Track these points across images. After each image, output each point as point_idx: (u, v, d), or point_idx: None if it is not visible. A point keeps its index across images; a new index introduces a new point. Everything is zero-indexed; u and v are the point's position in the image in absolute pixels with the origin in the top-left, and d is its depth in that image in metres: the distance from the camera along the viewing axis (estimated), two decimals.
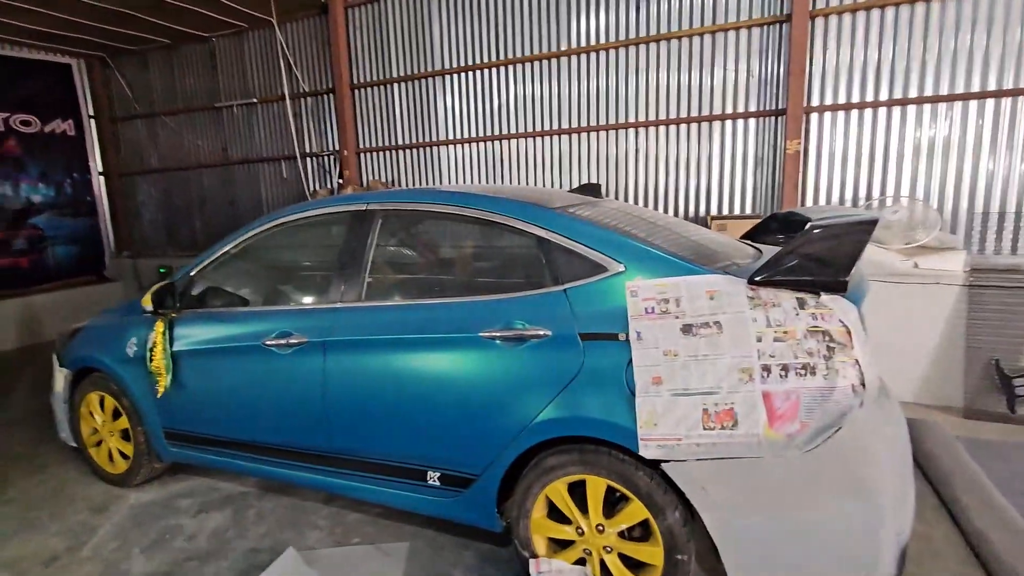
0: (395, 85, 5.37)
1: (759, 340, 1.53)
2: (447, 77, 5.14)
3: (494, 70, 5.02)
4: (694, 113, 4.62)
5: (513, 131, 5.08)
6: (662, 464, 1.66)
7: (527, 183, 5.16)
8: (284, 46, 5.71)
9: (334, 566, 2.25)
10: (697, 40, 4.51)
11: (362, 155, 5.69)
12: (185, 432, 2.73)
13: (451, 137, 5.24)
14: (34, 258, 6.75)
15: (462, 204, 2.14)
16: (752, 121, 4.49)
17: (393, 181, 5.52)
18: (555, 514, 1.94)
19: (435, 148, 5.33)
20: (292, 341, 2.28)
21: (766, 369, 1.52)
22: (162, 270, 5.91)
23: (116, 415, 2.93)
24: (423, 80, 5.24)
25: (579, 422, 1.77)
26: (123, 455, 2.98)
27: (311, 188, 5.98)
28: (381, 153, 5.60)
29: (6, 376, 5.10)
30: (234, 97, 6.25)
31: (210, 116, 6.54)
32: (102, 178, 7.33)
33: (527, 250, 2.04)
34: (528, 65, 4.94)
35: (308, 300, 2.47)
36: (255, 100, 6.12)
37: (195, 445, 2.72)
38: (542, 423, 1.84)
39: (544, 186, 5.09)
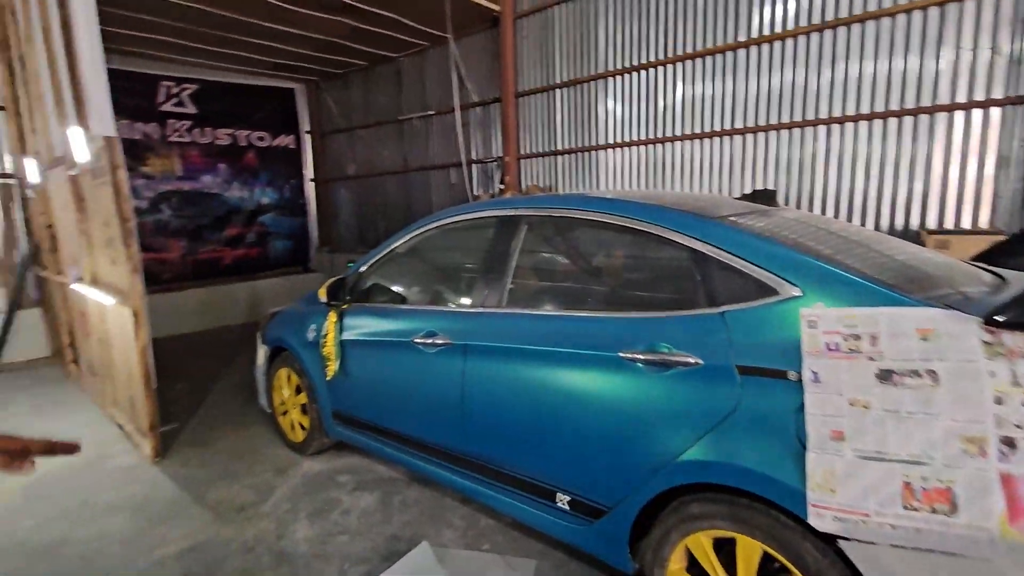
0: (557, 91, 5.39)
1: (999, 402, 1.13)
2: (610, 79, 4.99)
3: (660, 69, 4.73)
4: (908, 104, 3.81)
5: (679, 133, 4.74)
6: (839, 541, 1.33)
7: (693, 189, 4.77)
8: (458, 60, 6.09)
9: (462, 570, 2.27)
10: (918, 15, 3.71)
11: (523, 161, 5.82)
12: (347, 414, 3.01)
13: (612, 141, 5.08)
14: (260, 250, 8.20)
15: (610, 211, 2.00)
16: (995, 111, 3.56)
17: (552, 186, 5.55)
18: (696, 569, 1.69)
19: (595, 152, 5.22)
20: (437, 341, 2.36)
21: (1008, 443, 1.12)
22: (349, 264, 6.71)
23: (298, 391, 3.35)
24: (585, 84, 5.16)
25: (730, 470, 1.51)
26: (302, 427, 3.40)
27: (474, 193, 6.29)
28: (541, 159, 5.66)
29: (235, 346, 6.24)
30: (414, 110, 6.86)
31: (394, 128, 7.28)
32: (312, 184, 8.62)
33: (679, 264, 1.82)
34: (698, 61, 4.55)
35: (454, 302, 2.54)
36: (431, 112, 6.65)
37: (354, 427, 2.98)
38: (685, 464, 1.61)
39: (711, 192, 4.66)
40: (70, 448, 0.83)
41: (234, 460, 3.41)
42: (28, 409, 4.40)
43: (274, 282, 7.86)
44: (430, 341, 2.39)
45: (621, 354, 1.78)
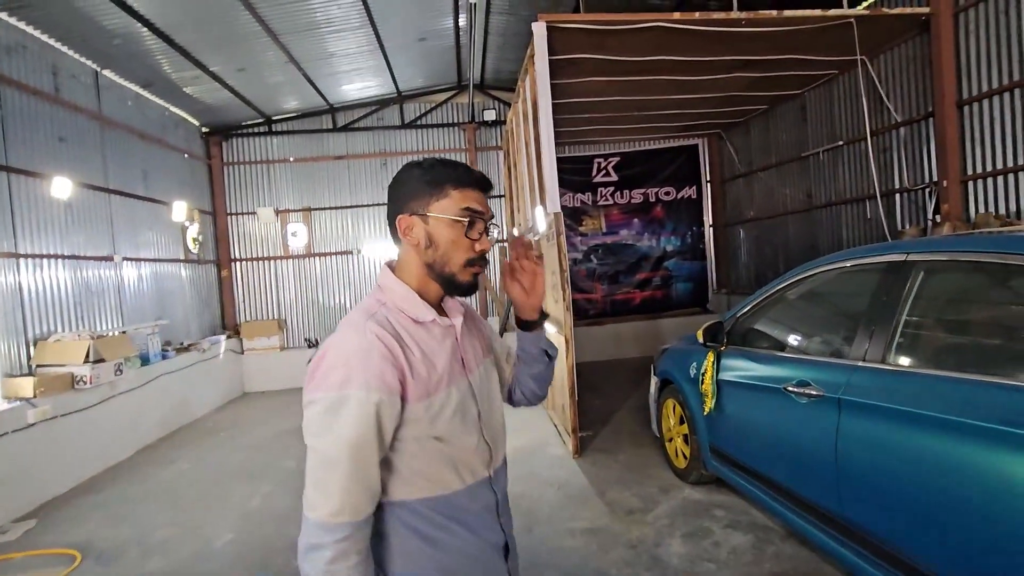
0: (1022, 89, 4.07)
1: None
2: None
3: None
4: None
5: None
6: None
7: None
8: (876, 79, 5.39)
9: None
10: None
11: (969, 183, 4.60)
12: (723, 451, 3.18)
13: None
14: (664, 292, 9.12)
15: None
16: None
17: (1019, 214, 4.17)
18: None
19: None
20: (809, 392, 2.32)
21: None
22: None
23: (682, 421, 3.73)
24: None
25: None
26: (684, 455, 3.75)
27: (899, 227, 5.32)
28: (998, 178, 4.35)
29: (640, 374, 7.19)
30: (820, 143, 6.39)
31: (798, 165, 6.93)
32: (711, 229, 9.05)
33: None
34: None
35: (830, 352, 2.41)
36: (841, 142, 6.04)
37: (729, 465, 3.12)
38: None
39: None
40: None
41: (629, 470, 4.05)
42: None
43: (675, 321, 8.58)
44: (802, 391, 2.37)
45: None
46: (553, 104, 6.09)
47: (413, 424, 1.00)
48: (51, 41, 5.17)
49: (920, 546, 1.81)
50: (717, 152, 8.84)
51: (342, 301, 8.49)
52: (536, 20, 4.22)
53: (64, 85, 5.33)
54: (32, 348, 4.75)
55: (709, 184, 8.96)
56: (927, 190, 5.01)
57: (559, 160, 8.51)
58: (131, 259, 6.15)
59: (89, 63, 5.67)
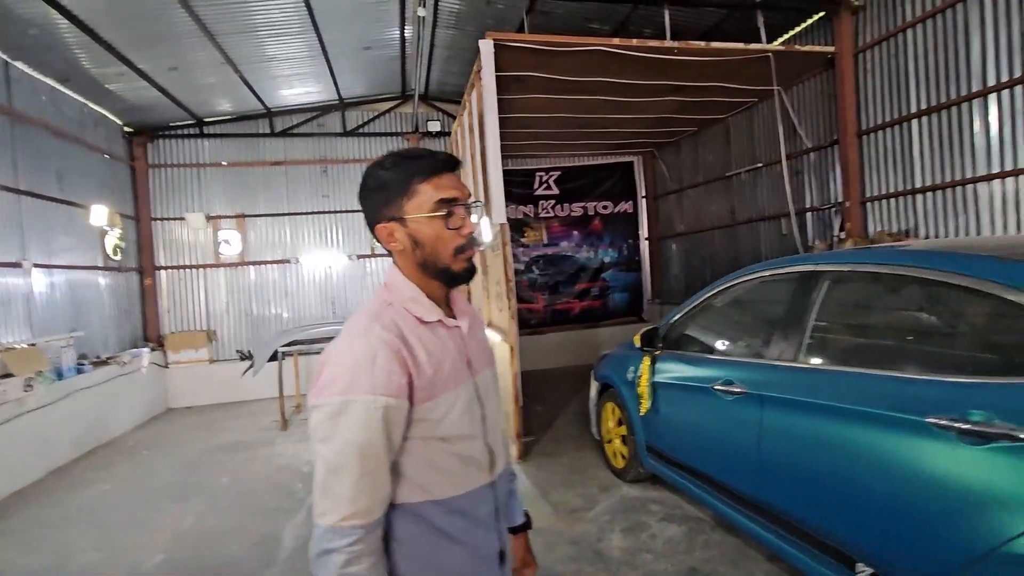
0: (911, 122, 4.65)
1: None
2: (989, 97, 4.05)
3: None
4: None
5: None
6: None
7: None
8: (790, 108, 5.94)
9: None
10: None
11: (868, 204, 5.17)
12: (658, 449, 3.40)
13: (993, 171, 4.07)
14: (602, 302, 9.46)
15: (912, 263, 1.88)
16: None
17: (908, 232, 4.74)
18: None
19: (966, 187, 4.26)
20: (734, 389, 2.55)
21: None
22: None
23: (620, 423, 3.93)
24: (950, 109, 4.31)
25: None
26: (622, 455, 3.95)
27: (810, 242, 5.87)
28: (892, 200, 4.92)
29: (580, 380, 7.41)
30: (743, 164, 6.93)
31: (722, 184, 7.47)
32: (646, 242, 9.52)
33: (1013, 324, 1.60)
34: None
35: (751, 353, 2.66)
36: (760, 164, 6.59)
37: (664, 462, 3.34)
38: (1013, 557, 1.41)
39: None
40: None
41: (571, 472, 4.21)
42: None
43: (613, 330, 8.93)
44: (727, 389, 2.60)
45: (929, 420, 1.67)
46: (502, 118, 6.28)
47: (420, 425, 1.00)
48: None
49: (831, 523, 2.05)
50: (651, 169, 9.34)
51: (279, 311, 8.20)
52: (483, 37, 4.36)
53: None
54: None
55: (644, 199, 9.44)
56: (833, 209, 5.57)
57: (503, 172, 8.71)
58: (43, 266, 5.68)
59: None
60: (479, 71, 4.56)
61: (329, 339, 7.63)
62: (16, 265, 5.30)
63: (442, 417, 1.02)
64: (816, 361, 2.24)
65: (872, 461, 1.85)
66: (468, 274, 1.09)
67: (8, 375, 4.48)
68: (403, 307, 1.05)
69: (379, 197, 1.05)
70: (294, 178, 8.20)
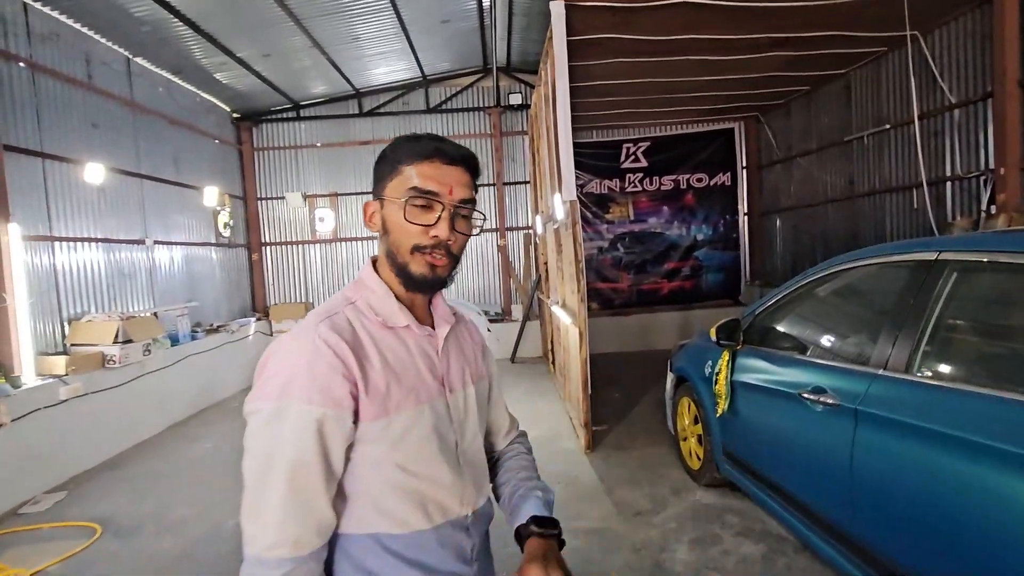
0: None
1: None
2: None
3: None
4: None
5: None
6: None
7: None
8: (929, 57, 4.95)
9: None
10: None
11: None
12: (735, 455, 3.02)
13: None
14: (694, 282, 8.82)
15: None
16: None
17: None
18: None
19: None
20: (825, 400, 2.14)
21: None
22: None
23: (696, 420, 3.57)
24: None
25: None
26: (697, 456, 3.60)
27: (948, 218, 4.92)
28: None
29: (664, 367, 6.98)
30: (865, 127, 5.96)
31: (839, 151, 6.51)
32: (745, 218, 8.66)
33: None
34: None
35: (851, 357, 2.21)
36: (888, 126, 5.62)
37: (741, 470, 2.96)
38: None
39: None
40: None
41: (641, 469, 3.93)
42: (522, 393, 6.26)
43: (705, 313, 8.28)
44: (817, 398, 2.19)
45: None
46: (577, 87, 5.89)
47: (369, 445, 0.87)
48: (84, 29, 5.29)
49: (930, 563, 1.64)
50: (755, 136, 8.41)
51: None
52: None
53: (97, 72, 5.46)
54: (66, 328, 4.95)
55: (745, 170, 8.56)
56: (982, 178, 4.60)
57: (585, 145, 8.33)
58: (162, 242, 6.33)
59: (121, 50, 5.79)
60: (551, 37, 4.24)
61: None
62: (140, 242, 5.94)
63: (398, 439, 0.88)
64: (932, 375, 1.78)
65: (1001, 514, 1.43)
66: (426, 281, 0.92)
67: (129, 341, 5.04)
68: (369, 306, 0.93)
69: (375, 173, 0.96)
70: None
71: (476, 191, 0.96)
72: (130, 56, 5.94)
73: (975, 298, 1.83)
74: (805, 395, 2.26)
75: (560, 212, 4.70)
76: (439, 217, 0.89)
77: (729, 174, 8.58)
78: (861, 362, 2.07)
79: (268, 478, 0.80)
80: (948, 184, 4.98)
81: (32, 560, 3.12)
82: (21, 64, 4.62)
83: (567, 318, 4.76)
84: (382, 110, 8.34)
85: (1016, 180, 4.23)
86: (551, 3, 4.04)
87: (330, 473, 0.84)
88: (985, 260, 1.74)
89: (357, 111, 8.33)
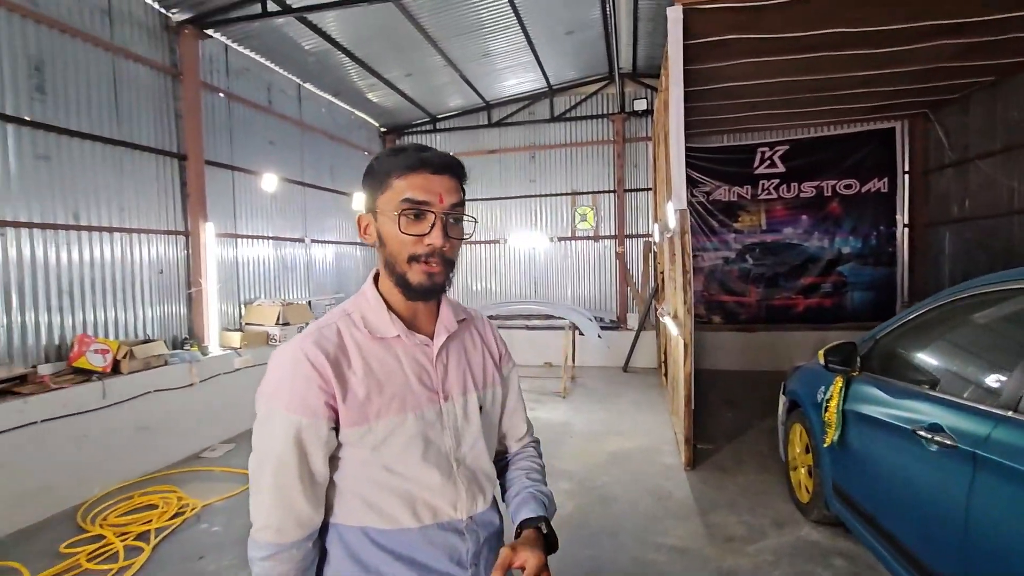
0: None
1: None
2: None
3: None
4: None
5: None
6: None
7: None
8: None
9: None
10: None
11: None
12: (845, 491, 2.74)
13: None
14: (836, 300, 7.91)
15: None
16: None
17: None
18: None
19: None
20: (942, 440, 1.89)
21: None
22: None
23: (808, 450, 3.28)
24: None
25: None
26: (807, 488, 3.30)
27: None
28: None
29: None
30: None
31: None
32: (906, 229, 7.56)
33: None
34: None
35: (975, 394, 1.92)
36: None
37: (850, 509, 2.68)
38: None
39: None
40: None
41: (743, 495, 3.70)
42: (629, 403, 6.16)
43: (848, 334, 7.39)
44: (932, 437, 1.94)
45: None
46: (704, 90, 5.69)
47: (353, 448, 0.93)
48: (266, 62, 6.36)
49: None
50: (921, 136, 7.32)
51: (488, 287, 9.03)
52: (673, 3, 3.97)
53: (275, 98, 6.53)
54: (242, 309, 5.99)
55: (907, 175, 7.48)
56: None
57: (713, 150, 7.96)
58: (318, 241, 7.33)
59: (293, 78, 6.84)
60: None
61: (524, 316, 8.18)
62: (300, 240, 6.96)
63: (379, 444, 0.93)
64: None
65: None
66: (424, 289, 0.95)
67: (287, 323, 5.95)
68: (362, 317, 0.98)
69: (365, 185, 1.00)
70: (506, 164, 8.82)
71: (464, 193, 0.99)
72: (300, 82, 6.98)
73: None
74: (920, 432, 2.01)
75: (673, 220, 4.59)
76: (432, 226, 0.92)
77: (886, 180, 7.57)
78: (987, 400, 1.80)
79: (261, 469, 0.91)
80: None
81: (206, 494, 3.87)
82: (221, 94, 5.71)
83: (675, 329, 4.63)
84: (509, 120, 8.74)
85: None
86: (669, 8, 3.98)
87: (309, 474, 0.91)
88: None
89: (487, 122, 8.83)
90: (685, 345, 4.13)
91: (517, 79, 7.92)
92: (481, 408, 1.05)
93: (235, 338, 5.58)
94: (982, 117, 6.21)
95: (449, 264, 0.97)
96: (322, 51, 6.24)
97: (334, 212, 7.75)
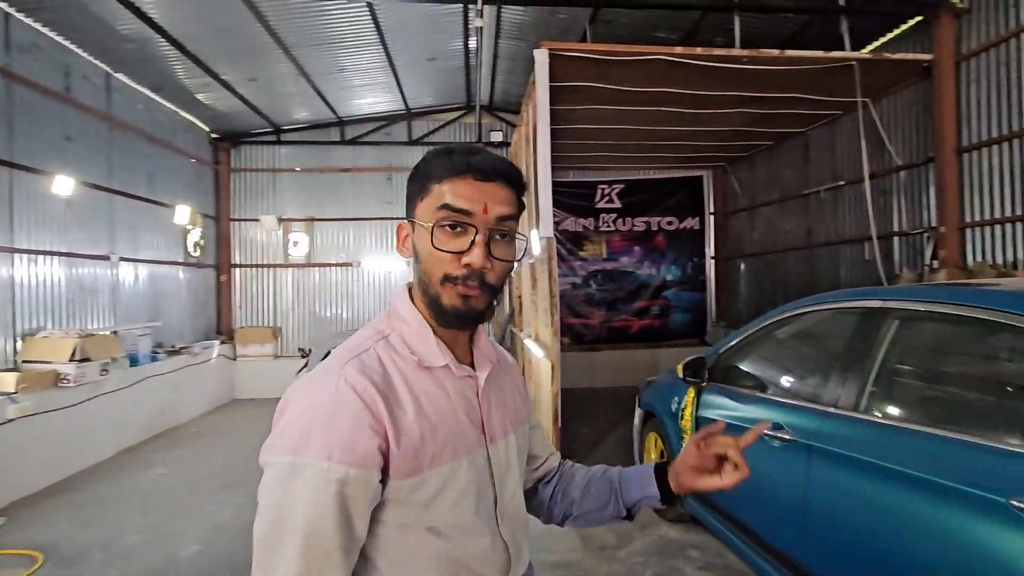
0: (1022, 139, 4.06)
1: None
2: None
3: None
4: None
5: None
6: None
7: None
8: (878, 122, 5.39)
9: None
10: None
11: (968, 231, 4.56)
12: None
13: None
14: (662, 321, 9.06)
15: (1003, 307, 1.56)
16: None
17: (1017, 264, 4.12)
18: None
19: None
20: (782, 436, 2.26)
21: None
22: None
23: (663, 456, 3.66)
24: None
25: None
26: None
27: (896, 270, 5.27)
28: (997, 227, 4.30)
29: (632, 404, 7.09)
30: (823, 182, 6.39)
31: (798, 203, 6.92)
32: (712, 261, 9.02)
33: None
34: None
35: (805, 396, 2.35)
36: (842, 182, 6.04)
37: (704, 505, 3.04)
38: None
39: None
40: None
41: None
42: None
43: (672, 351, 8.47)
44: (775, 434, 2.31)
45: (1014, 502, 1.36)
46: (557, 129, 6.14)
47: (398, 507, 0.75)
48: (65, 42, 5.28)
49: None
50: (722, 184, 8.86)
51: (338, 312, 8.49)
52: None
53: (75, 85, 5.43)
54: (19, 343, 4.76)
55: (712, 216, 8.96)
56: (925, 235, 4.98)
57: (562, 184, 8.59)
58: (128, 259, 6.19)
59: (102, 65, 5.78)
60: (534, 81, 4.47)
61: None
62: (104, 258, 5.80)
63: (431, 499, 0.76)
64: (878, 414, 1.93)
65: (935, 542, 1.55)
66: (459, 314, 0.79)
67: (86, 359, 4.87)
68: (403, 341, 0.81)
69: (407, 192, 0.85)
70: (360, 184, 8.49)
71: (522, 207, 0.84)
72: (111, 71, 5.93)
73: (916, 344, 2.00)
74: (764, 431, 2.38)
75: (537, 248, 4.84)
76: (472, 242, 0.77)
77: (698, 219, 8.97)
78: (815, 400, 2.21)
79: (279, 544, 0.70)
80: (896, 239, 5.36)
81: None
82: None
83: (539, 351, 4.84)
84: (364, 139, 8.47)
85: (955, 239, 4.59)
86: (536, 51, 4.28)
87: (351, 541, 0.72)
88: (924, 310, 1.92)
89: (339, 139, 8.44)
90: (553, 366, 4.34)
91: (374, 98, 7.74)
92: (518, 450, 0.92)
93: (7, 380, 4.38)
94: (764, 173, 7.75)
95: (491, 289, 0.80)
96: (143, 38, 5.39)
97: (152, 226, 6.64)
